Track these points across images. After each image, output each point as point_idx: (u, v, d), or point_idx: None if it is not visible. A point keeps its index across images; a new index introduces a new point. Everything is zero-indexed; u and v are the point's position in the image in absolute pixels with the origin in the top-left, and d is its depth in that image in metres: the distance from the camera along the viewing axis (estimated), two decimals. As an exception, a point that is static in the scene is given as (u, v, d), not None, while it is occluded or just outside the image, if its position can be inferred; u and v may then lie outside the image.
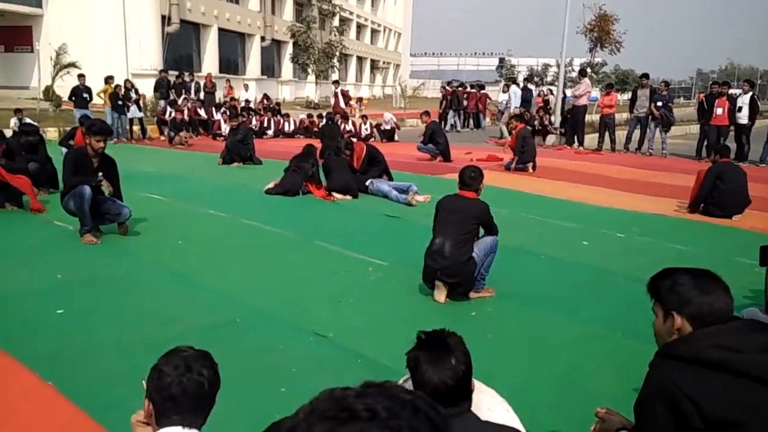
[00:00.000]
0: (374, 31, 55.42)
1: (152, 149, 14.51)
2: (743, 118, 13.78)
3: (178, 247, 5.93)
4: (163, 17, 26.12)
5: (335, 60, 34.35)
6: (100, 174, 5.89)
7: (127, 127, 15.73)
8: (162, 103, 17.58)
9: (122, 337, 3.85)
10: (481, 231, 4.67)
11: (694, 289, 1.92)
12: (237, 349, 3.63)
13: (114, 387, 3.24)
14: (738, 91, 15.48)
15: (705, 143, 14.51)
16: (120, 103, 15.15)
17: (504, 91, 21.03)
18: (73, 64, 19.30)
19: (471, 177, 4.63)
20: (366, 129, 17.49)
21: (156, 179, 9.48)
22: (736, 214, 7.73)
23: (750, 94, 13.99)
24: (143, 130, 16.12)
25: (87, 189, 5.73)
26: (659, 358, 1.84)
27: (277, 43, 37.70)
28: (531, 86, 24.95)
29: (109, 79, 15.55)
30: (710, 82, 19.17)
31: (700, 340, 1.75)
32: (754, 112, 13.85)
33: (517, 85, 20.32)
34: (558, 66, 26.44)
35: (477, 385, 2.03)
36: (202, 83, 19.96)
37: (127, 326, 4.03)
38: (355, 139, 11.17)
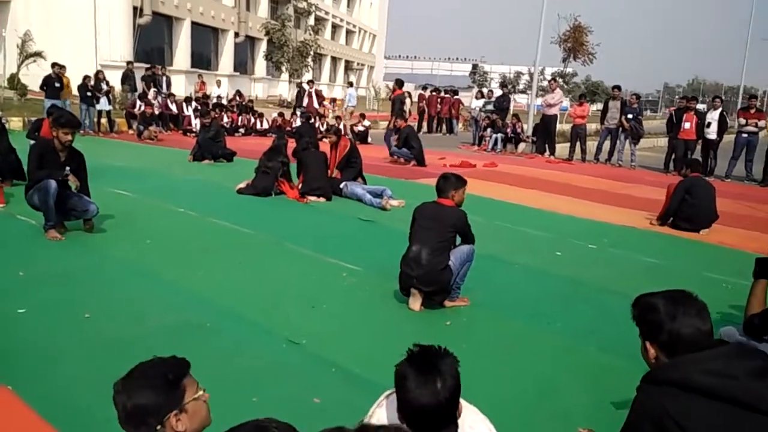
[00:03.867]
0: (349, 32, 55.32)
1: (120, 143, 14.18)
2: (712, 133, 14.09)
3: (147, 245, 5.77)
4: (135, 8, 25.63)
5: (309, 59, 34.15)
6: (67, 168, 5.69)
7: (95, 119, 15.36)
8: (131, 96, 17.22)
9: (87, 338, 3.72)
10: (458, 239, 4.64)
11: (664, 316, 1.92)
12: (207, 352, 3.51)
13: (77, 391, 3.12)
14: (703, 106, 15.87)
15: (673, 157, 14.82)
16: (89, 94, 14.77)
17: (477, 98, 21.15)
18: (39, 54, 18.81)
19: (449, 184, 4.59)
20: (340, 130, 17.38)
21: (124, 175, 9.25)
22: (703, 229, 7.86)
23: (719, 110, 14.32)
24: (111, 123, 15.76)
25: (53, 183, 5.54)
26: (647, 383, 1.82)
27: (251, 40, 37.33)
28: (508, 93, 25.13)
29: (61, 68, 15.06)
30: (678, 97, 19.63)
31: (689, 365, 1.73)
32: (722, 127, 14.17)
33: (351, 85, 24.04)
34: (530, 74, 26.74)
35: (461, 402, 1.98)
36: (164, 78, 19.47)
37: (92, 326, 3.89)
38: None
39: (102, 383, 3.16)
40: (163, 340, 3.74)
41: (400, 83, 15.41)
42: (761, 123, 14.03)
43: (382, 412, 2.04)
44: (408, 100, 20.29)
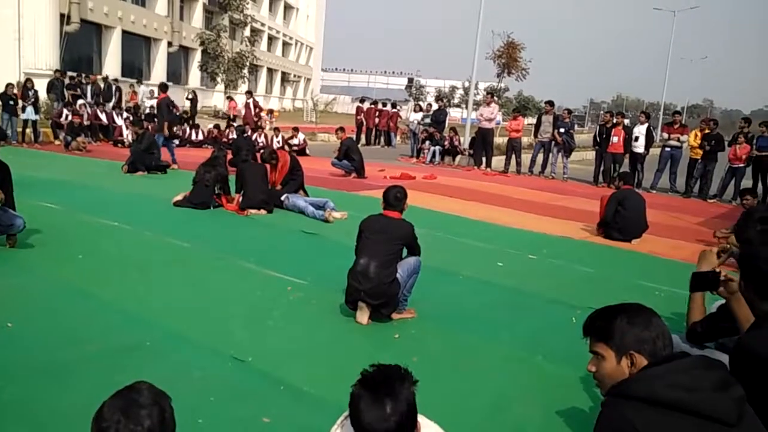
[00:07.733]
0: (286, 44, 55.00)
1: (46, 154, 13.53)
2: (639, 147, 14.70)
3: (79, 261, 5.49)
4: (63, 15, 24.63)
5: (245, 70, 33.72)
6: (-9, 180, 5.38)
7: (18, 129, 14.62)
8: (57, 105, 16.49)
9: (15, 363, 3.47)
10: (404, 251, 4.63)
11: (640, 326, 1.95)
12: (148, 375, 3.29)
13: (5, 422, 2.90)
14: (627, 121, 16.65)
15: (601, 169, 15.41)
16: (11, 103, 14.04)
17: (415, 111, 21.39)
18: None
19: (396, 197, 4.59)
20: (278, 142, 17.21)
21: (52, 187, 8.81)
22: (635, 239, 8.17)
23: (646, 124, 15.00)
24: (36, 133, 15.02)
25: (-25, 197, 5.21)
26: (612, 397, 1.83)
27: (185, 50, 36.55)
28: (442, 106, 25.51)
29: None
30: (603, 112, 20.47)
31: (653, 380, 1.75)
32: (649, 141, 14.83)
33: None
34: (464, 89, 27.26)
35: (421, 420, 1.95)
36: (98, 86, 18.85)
37: (21, 350, 3.65)
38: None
39: (34, 412, 2.97)
40: (102, 363, 3.54)
41: (163, 87, 14.48)
42: (683, 137, 14.76)
43: (341, 434, 1.98)
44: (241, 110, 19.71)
